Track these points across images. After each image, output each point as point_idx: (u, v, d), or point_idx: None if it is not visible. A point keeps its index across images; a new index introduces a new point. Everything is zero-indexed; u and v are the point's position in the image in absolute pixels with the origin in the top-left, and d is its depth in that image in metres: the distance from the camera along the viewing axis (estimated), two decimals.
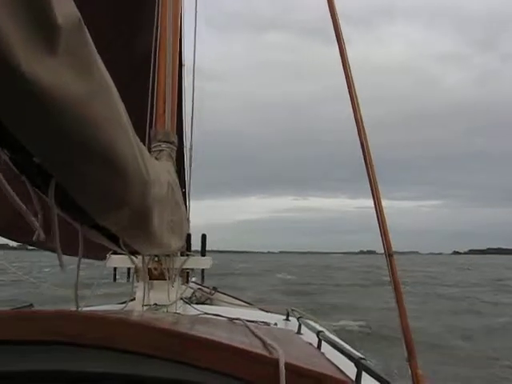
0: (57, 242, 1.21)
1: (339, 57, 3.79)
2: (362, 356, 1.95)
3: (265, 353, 1.65)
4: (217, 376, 1.55)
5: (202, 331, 2.14)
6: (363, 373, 1.82)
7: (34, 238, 1.19)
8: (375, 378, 1.74)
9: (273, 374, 1.53)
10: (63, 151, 0.99)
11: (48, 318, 1.64)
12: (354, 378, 1.81)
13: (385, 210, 3.68)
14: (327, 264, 78.91)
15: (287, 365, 1.54)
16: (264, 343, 1.85)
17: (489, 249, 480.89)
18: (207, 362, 1.56)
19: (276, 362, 1.55)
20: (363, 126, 3.73)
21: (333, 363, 2.07)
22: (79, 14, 0.93)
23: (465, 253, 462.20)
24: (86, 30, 0.96)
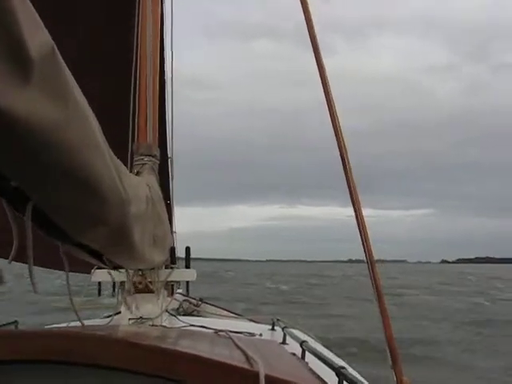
0: (30, 265, 1.21)
1: (316, 67, 3.81)
2: (343, 365, 1.97)
3: (245, 366, 1.67)
4: None
5: (185, 345, 2.17)
6: (344, 382, 1.84)
7: (10, 257, 1.19)
8: None
9: None
10: (39, 176, 1.01)
11: (36, 336, 1.68)
12: None
13: (366, 220, 3.71)
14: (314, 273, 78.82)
15: (267, 377, 1.57)
16: (246, 356, 1.87)
17: (477, 258, 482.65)
18: (190, 375, 1.59)
19: (256, 375, 1.57)
20: (342, 136, 3.76)
21: (314, 373, 2.09)
22: (52, 43, 0.94)
23: (453, 262, 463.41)
24: (60, 58, 0.98)
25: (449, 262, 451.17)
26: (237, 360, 1.79)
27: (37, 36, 0.87)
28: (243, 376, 1.60)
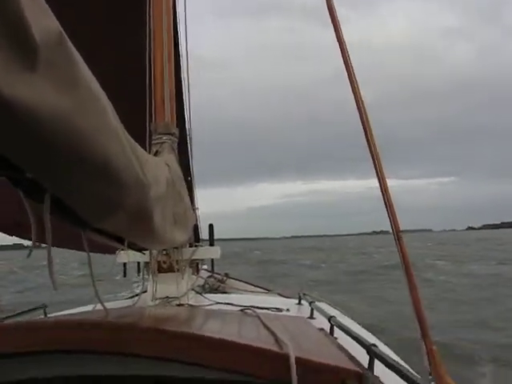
0: (50, 262, 1.21)
1: (335, 39, 3.75)
2: (374, 343, 1.94)
3: (275, 348, 1.66)
4: (229, 374, 1.58)
5: (212, 328, 2.17)
6: (375, 360, 1.81)
7: (32, 240, 1.20)
8: (387, 366, 1.73)
9: (284, 369, 1.54)
10: (53, 166, 0.99)
11: (55, 326, 1.71)
12: (366, 365, 1.80)
13: (391, 191, 3.65)
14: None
15: (298, 359, 1.56)
16: (275, 336, 1.86)
17: (503, 223, 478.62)
18: (218, 361, 1.59)
19: (287, 357, 1.56)
20: (364, 107, 3.69)
21: (345, 351, 2.06)
22: (60, 29, 0.91)
23: (479, 228, 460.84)
24: (69, 43, 0.95)
25: (474, 229, 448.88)
26: (265, 342, 1.78)
27: (43, 23, 0.85)
28: (273, 359, 1.59)
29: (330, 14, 3.81)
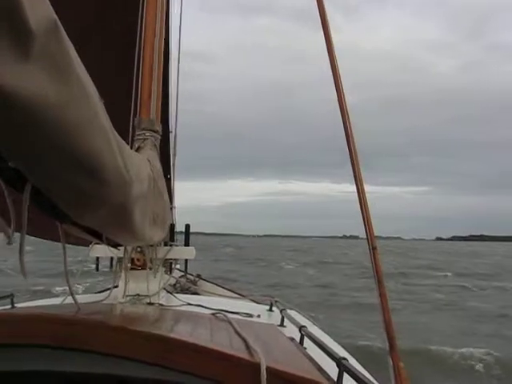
0: (22, 253, 1.20)
1: (324, 43, 3.75)
2: (344, 356, 1.94)
3: (246, 356, 1.65)
4: (197, 379, 1.56)
5: (183, 330, 2.15)
6: (345, 374, 1.81)
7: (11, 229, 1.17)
8: (356, 380, 1.73)
9: (254, 378, 1.53)
10: (38, 156, 0.97)
11: (25, 320, 1.68)
12: (335, 378, 1.80)
13: (368, 199, 3.66)
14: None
15: (268, 369, 1.55)
16: (246, 344, 1.85)
17: (471, 236, 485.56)
18: (188, 365, 1.57)
19: (258, 366, 1.55)
20: (348, 113, 3.69)
21: (315, 363, 2.06)
22: (55, 16, 0.89)
23: (448, 239, 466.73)
24: (63, 32, 0.93)
25: (443, 239, 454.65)
26: (237, 349, 1.77)
27: (39, 10, 0.82)
28: (244, 367, 1.59)
29: (322, 18, 3.81)
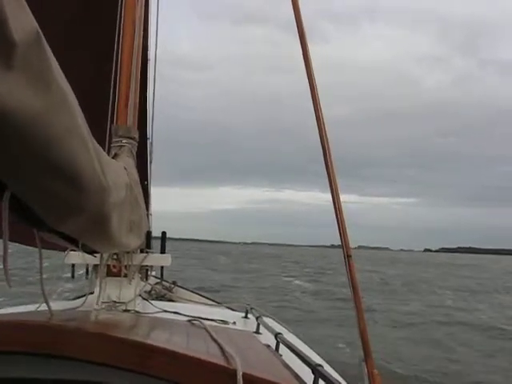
0: (6, 261, 1.21)
1: (301, 56, 3.77)
2: (319, 363, 1.96)
3: (223, 363, 1.66)
4: None
5: (159, 337, 2.15)
6: (320, 380, 1.83)
7: None
8: None
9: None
10: (16, 164, 0.98)
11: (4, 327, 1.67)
12: None
13: (344, 211, 3.68)
14: None
15: (245, 375, 1.56)
16: (222, 350, 1.86)
17: (459, 247, 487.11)
18: (165, 372, 1.58)
19: (234, 373, 1.56)
20: (324, 125, 3.72)
21: (290, 369, 2.08)
22: (37, 27, 0.90)
23: (436, 251, 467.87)
24: (45, 42, 0.94)
25: (432, 251, 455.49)
26: (213, 355, 1.78)
27: (22, 21, 0.83)
28: (220, 374, 1.60)
29: (299, 30, 3.84)
